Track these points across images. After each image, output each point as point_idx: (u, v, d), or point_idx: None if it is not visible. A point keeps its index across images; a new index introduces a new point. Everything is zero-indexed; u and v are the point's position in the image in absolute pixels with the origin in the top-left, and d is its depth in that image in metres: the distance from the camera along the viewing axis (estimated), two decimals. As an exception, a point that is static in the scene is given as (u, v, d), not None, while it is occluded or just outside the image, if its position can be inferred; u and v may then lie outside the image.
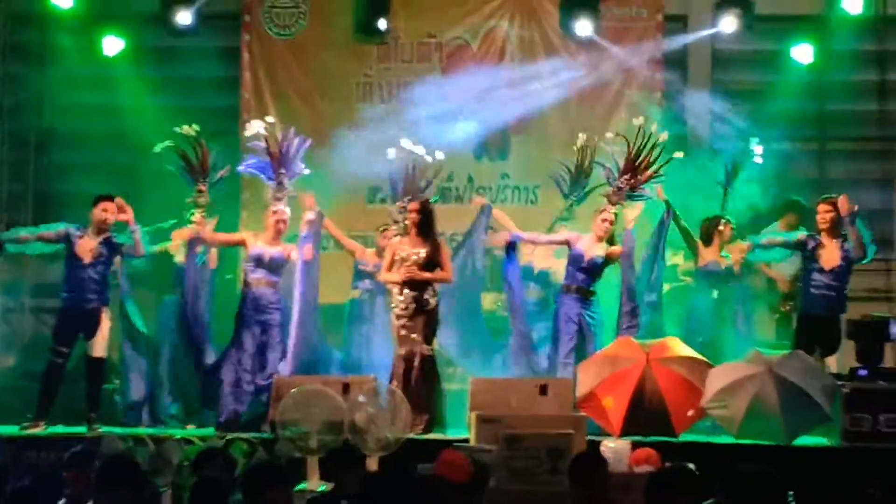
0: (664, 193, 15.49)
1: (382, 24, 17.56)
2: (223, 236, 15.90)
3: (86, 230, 14.80)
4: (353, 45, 18.31)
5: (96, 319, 15.05)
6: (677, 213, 15.60)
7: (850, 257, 15.06)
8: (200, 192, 15.71)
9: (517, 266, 15.90)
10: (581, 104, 17.95)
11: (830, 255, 15.11)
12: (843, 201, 14.83)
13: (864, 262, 15.17)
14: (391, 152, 16.31)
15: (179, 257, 15.87)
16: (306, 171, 15.90)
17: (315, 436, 13.19)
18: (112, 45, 18.22)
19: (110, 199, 14.98)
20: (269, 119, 16.21)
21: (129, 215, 15.08)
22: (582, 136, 16.14)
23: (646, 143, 15.54)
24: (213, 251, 16.04)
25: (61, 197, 15.63)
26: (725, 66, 18.85)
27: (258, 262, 15.23)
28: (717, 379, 14.45)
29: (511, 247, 15.82)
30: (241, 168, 16.01)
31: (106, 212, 14.85)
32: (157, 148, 15.66)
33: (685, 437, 14.23)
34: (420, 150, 16.11)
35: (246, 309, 15.26)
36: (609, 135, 16.18)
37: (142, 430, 14.34)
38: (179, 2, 17.59)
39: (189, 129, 15.67)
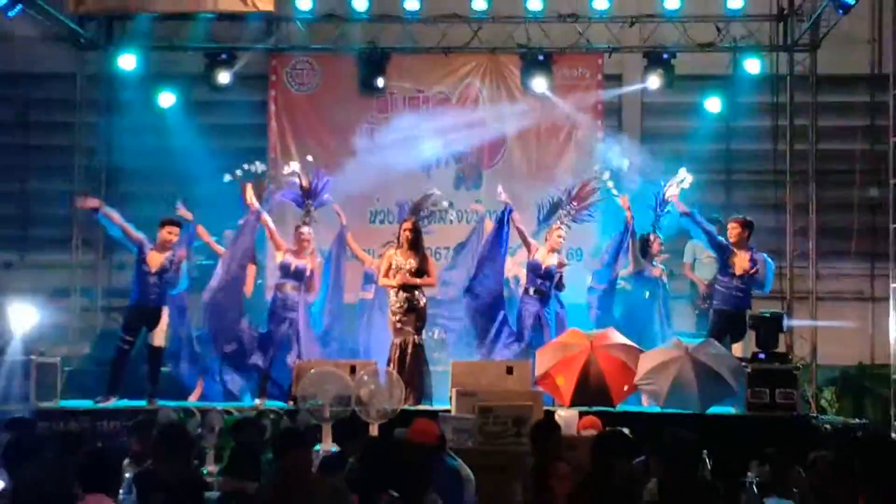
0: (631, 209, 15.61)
1: (380, 82, 17.58)
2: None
3: (154, 245, 14.86)
4: (357, 98, 18.22)
5: (157, 316, 15.12)
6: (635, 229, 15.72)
7: (756, 279, 15.22)
8: (308, 211, 15.91)
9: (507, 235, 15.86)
10: (538, 144, 17.99)
11: (741, 263, 15.21)
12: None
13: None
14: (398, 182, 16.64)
15: None
16: (331, 200, 16.04)
17: (328, 407, 13.31)
18: (166, 98, 18.22)
19: (173, 223, 15.05)
20: (309, 158, 16.43)
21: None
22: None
23: (591, 180, 15.63)
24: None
25: (127, 220, 15.55)
26: (652, 114, 18.87)
27: (286, 271, 15.25)
28: (647, 361, 14.60)
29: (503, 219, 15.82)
30: (278, 197, 16.08)
31: (171, 234, 14.86)
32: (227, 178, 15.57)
33: (622, 408, 14.30)
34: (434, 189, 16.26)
35: (276, 308, 15.35)
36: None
37: (190, 404, 14.35)
38: (220, 64, 17.64)
39: (257, 167, 15.75)
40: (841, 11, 15.68)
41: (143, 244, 14.99)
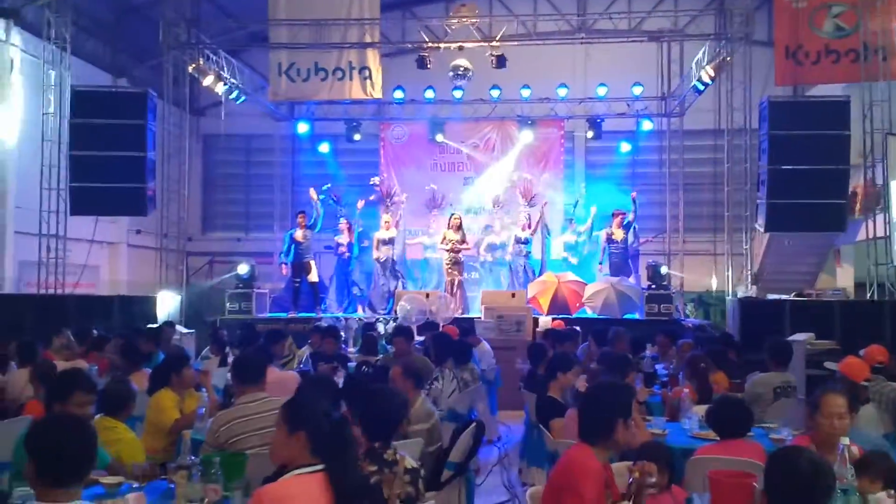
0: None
1: (440, 137, 17.57)
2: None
3: (297, 228, 14.91)
4: (427, 146, 18.01)
5: (309, 266, 15.21)
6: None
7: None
8: (387, 206, 16.06)
9: None
10: (528, 169, 17.92)
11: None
12: None
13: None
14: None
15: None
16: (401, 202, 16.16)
17: (414, 316, 13.48)
18: (324, 148, 18.24)
19: (303, 213, 15.06)
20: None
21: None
22: None
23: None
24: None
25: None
26: (590, 153, 18.84)
27: (383, 241, 15.41)
28: (589, 289, 14.67)
29: None
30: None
31: (302, 218, 14.92)
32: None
33: (575, 315, 14.30)
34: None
35: (382, 263, 15.47)
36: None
37: (338, 315, 14.44)
38: (353, 128, 17.61)
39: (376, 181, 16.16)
40: (698, 94, 15.68)
41: (294, 227, 15.06)
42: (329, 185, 16.18)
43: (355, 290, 15.71)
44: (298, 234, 14.93)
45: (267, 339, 8.67)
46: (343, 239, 15.45)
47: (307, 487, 3.07)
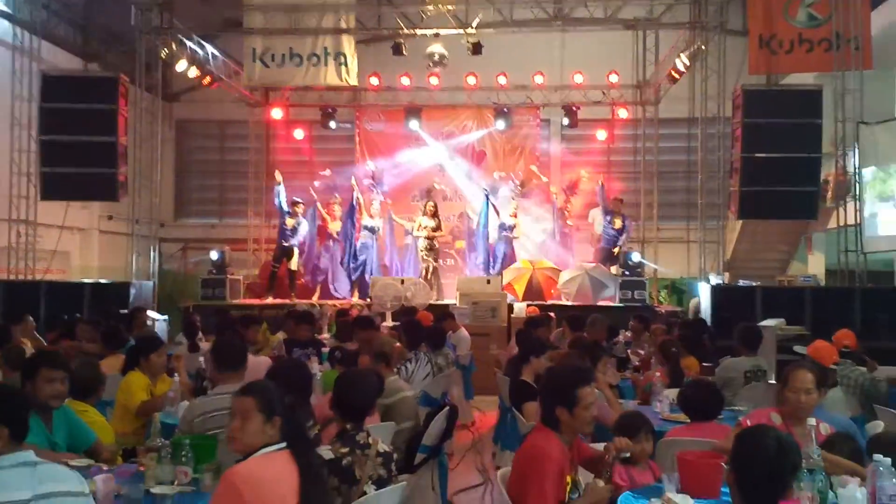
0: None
1: (415, 124, 17.31)
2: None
3: (290, 216, 15.02)
4: (403, 133, 17.67)
5: (292, 252, 15.17)
6: None
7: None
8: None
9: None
10: (504, 157, 17.91)
11: (620, 223, 15.36)
12: None
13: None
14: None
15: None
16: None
17: (389, 302, 13.49)
18: (299, 133, 18.16)
19: (298, 201, 15.20)
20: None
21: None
22: None
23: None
24: None
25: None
26: (566, 140, 18.84)
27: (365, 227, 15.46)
28: (564, 276, 14.76)
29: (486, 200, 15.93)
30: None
31: (297, 207, 15.08)
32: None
33: (549, 302, 14.37)
34: None
35: (361, 247, 15.51)
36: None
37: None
38: (328, 115, 17.53)
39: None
40: (672, 82, 15.75)
41: (284, 218, 15.08)
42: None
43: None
44: (290, 221, 14.94)
45: (240, 325, 8.68)
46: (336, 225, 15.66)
47: (277, 465, 3.11)
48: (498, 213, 15.83)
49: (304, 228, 15.34)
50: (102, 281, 14.18)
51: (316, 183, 16.34)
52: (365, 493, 3.71)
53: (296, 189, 15.96)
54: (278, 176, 15.22)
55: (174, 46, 14.69)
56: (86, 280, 14.18)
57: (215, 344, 5.26)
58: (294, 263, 15.32)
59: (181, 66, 14.92)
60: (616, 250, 15.39)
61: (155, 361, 5.83)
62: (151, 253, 14.47)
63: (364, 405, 4.11)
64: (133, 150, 14.00)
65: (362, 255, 15.46)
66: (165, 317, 12.75)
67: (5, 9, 14.01)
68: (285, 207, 15.07)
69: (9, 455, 2.83)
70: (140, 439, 4.86)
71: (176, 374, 6.05)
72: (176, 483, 3.74)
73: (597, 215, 16.52)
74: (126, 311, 11.11)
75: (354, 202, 15.66)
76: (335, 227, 15.66)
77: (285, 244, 15.16)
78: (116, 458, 4.44)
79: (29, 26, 13.41)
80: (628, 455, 3.96)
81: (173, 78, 16.96)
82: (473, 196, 17.18)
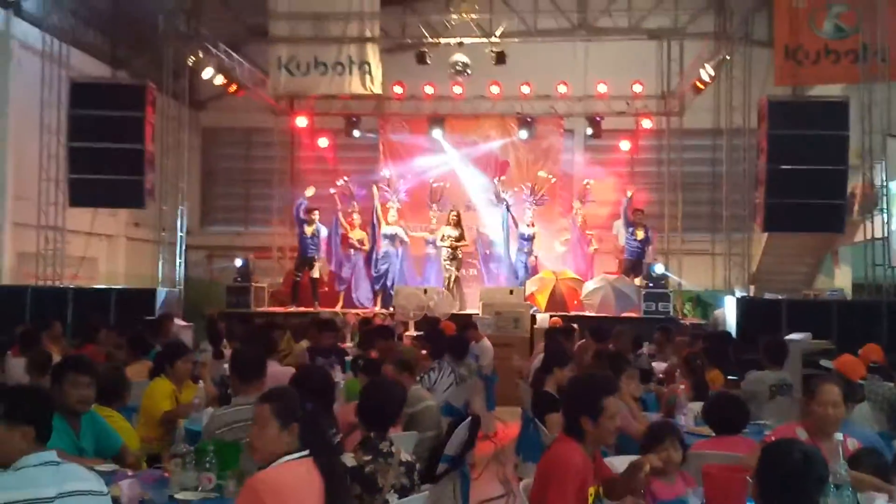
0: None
1: (439, 133, 17.25)
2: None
3: (307, 223, 15.14)
4: (427, 141, 17.57)
5: (313, 261, 15.22)
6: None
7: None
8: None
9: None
10: (527, 165, 17.83)
11: (642, 234, 15.28)
12: None
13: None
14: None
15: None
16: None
17: (412, 311, 13.50)
18: (323, 141, 18.10)
19: (314, 209, 15.33)
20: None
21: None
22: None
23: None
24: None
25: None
26: (589, 150, 18.76)
27: (387, 236, 15.49)
28: (588, 286, 14.73)
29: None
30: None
31: (312, 214, 15.19)
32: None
33: (573, 313, 14.32)
34: None
35: (383, 255, 15.56)
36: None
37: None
38: (353, 123, 17.58)
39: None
40: (697, 93, 15.70)
41: (302, 225, 15.20)
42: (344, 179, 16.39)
43: None
44: (308, 229, 15.00)
45: (268, 331, 8.73)
46: (358, 234, 15.68)
47: (299, 472, 3.14)
48: (517, 224, 15.78)
49: (324, 232, 15.43)
50: (129, 287, 14.29)
51: (332, 190, 16.36)
52: (387, 502, 3.71)
53: (321, 198, 15.99)
54: (310, 191, 15.32)
55: (201, 54, 14.82)
56: (112, 286, 14.28)
57: (234, 356, 5.28)
58: (316, 272, 15.36)
59: (207, 73, 15.03)
60: (641, 262, 15.31)
61: (180, 368, 5.87)
62: (177, 260, 14.59)
63: (389, 414, 4.13)
64: (160, 157, 14.14)
65: (384, 264, 15.46)
66: (191, 324, 12.81)
67: (35, 16, 14.17)
68: (302, 216, 15.15)
69: (34, 454, 2.90)
70: (165, 445, 4.89)
71: (201, 381, 6.09)
72: (200, 489, 3.77)
73: (620, 227, 16.43)
74: (152, 317, 11.19)
75: (374, 211, 15.72)
76: (356, 235, 15.69)
77: (307, 254, 15.21)
78: (141, 464, 4.47)
79: (58, 33, 13.56)
80: (647, 469, 3.92)
81: (200, 85, 17.07)
82: (485, 207, 17.16)
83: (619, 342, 8.82)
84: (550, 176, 17.04)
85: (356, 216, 15.91)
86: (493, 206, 16.84)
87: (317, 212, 15.31)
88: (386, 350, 7.57)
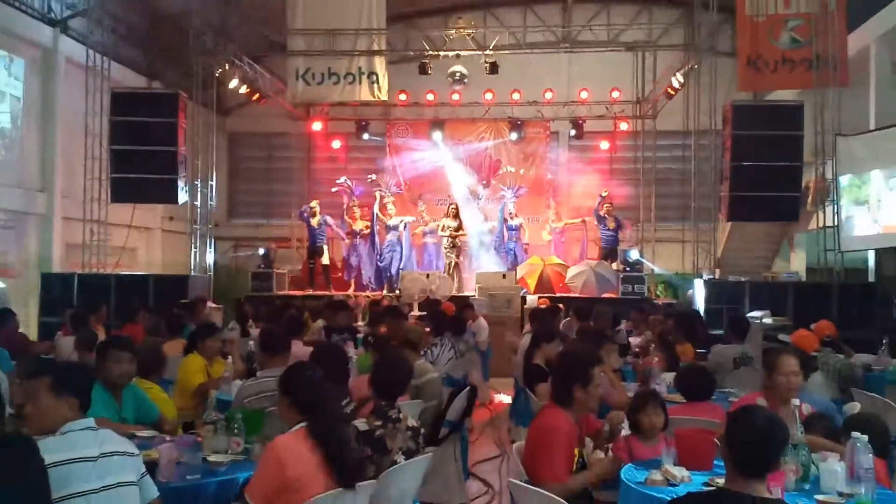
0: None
1: (438, 136, 17.31)
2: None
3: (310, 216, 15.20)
4: (428, 143, 17.57)
5: (321, 250, 15.25)
6: None
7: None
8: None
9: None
10: (518, 163, 17.81)
11: (613, 224, 15.28)
12: None
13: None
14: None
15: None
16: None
17: (416, 294, 13.49)
18: (336, 144, 18.06)
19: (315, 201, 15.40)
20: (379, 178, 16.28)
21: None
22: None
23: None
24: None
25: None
26: (573, 150, 18.69)
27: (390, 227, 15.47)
28: (571, 271, 14.71)
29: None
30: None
31: (313, 208, 15.25)
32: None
33: (559, 295, 14.27)
34: None
35: (389, 245, 15.53)
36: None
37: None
38: (362, 127, 17.58)
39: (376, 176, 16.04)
40: (668, 98, 15.63)
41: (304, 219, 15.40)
42: (344, 178, 16.29)
43: None
44: (314, 221, 15.01)
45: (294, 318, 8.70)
46: (360, 224, 15.69)
47: (296, 439, 3.23)
48: (506, 217, 15.78)
49: (330, 220, 15.57)
50: (164, 274, 14.27)
51: (333, 189, 16.39)
52: (395, 463, 3.71)
53: (333, 194, 15.96)
54: (314, 203, 15.55)
55: (227, 66, 14.77)
56: (150, 273, 14.27)
57: (262, 333, 5.28)
58: (326, 258, 15.43)
59: (233, 83, 15.03)
60: (616, 248, 15.31)
61: (210, 345, 5.87)
62: (207, 249, 14.57)
63: (398, 386, 4.12)
64: (191, 158, 14.09)
65: (389, 253, 15.52)
66: (220, 306, 12.81)
67: (80, 34, 14.14)
68: (306, 216, 15.38)
69: (77, 421, 2.96)
70: (198, 413, 4.89)
71: (229, 357, 6.10)
72: (229, 452, 3.77)
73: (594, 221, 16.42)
74: (185, 301, 11.18)
75: (374, 212, 15.77)
76: (358, 226, 15.75)
77: (316, 243, 15.34)
78: (177, 430, 4.47)
79: (100, 49, 13.50)
80: (623, 427, 3.93)
81: (226, 94, 17.00)
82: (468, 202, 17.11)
83: (599, 320, 8.82)
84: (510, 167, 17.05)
85: (356, 209, 15.94)
86: (476, 201, 16.90)
87: (316, 203, 15.35)
88: (395, 327, 7.57)
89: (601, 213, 15.42)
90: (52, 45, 14.06)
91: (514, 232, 15.72)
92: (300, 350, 5.92)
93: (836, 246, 12.59)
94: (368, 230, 15.73)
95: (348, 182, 16.45)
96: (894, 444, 3.97)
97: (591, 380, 3.78)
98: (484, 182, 17.30)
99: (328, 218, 15.56)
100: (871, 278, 13.38)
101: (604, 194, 15.74)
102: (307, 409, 3.32)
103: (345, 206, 16.02)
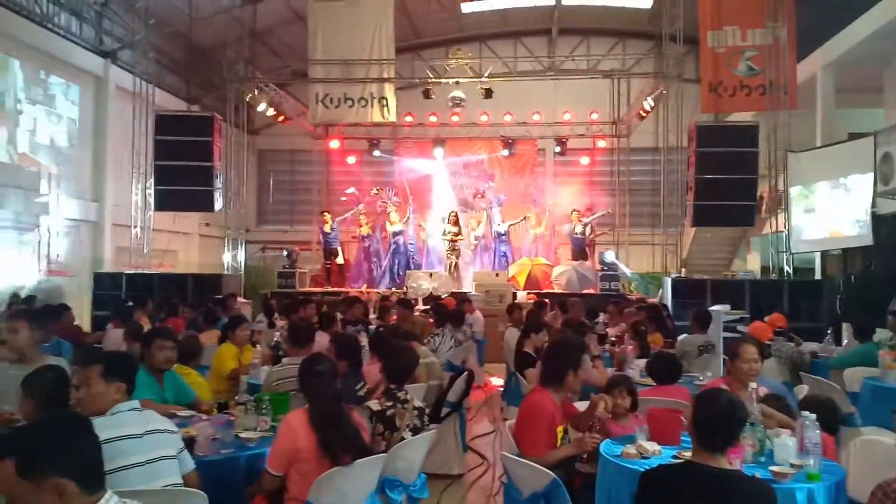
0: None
1: (439, 152, 17.25)
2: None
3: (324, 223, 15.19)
4: (430, 158, 17.46)
5: (336, 251, 15.37)
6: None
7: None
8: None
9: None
10: (509, 177, 17.77)
11: (580, 229, 15.25)
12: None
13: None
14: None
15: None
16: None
17: (420, 290, 13.44)
18: (352, 159, 17.93)
19: (327, 211, 15.42)
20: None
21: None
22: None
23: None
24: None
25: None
26: (558, 165, 18.65)
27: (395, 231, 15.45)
28: (556, 270, 14.69)
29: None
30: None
31: (324, 216, 15.22)
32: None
33: (545, 291, 14.27)
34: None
35: (395, 247, 15.50)
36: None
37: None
38: (374, 145, 17.51)
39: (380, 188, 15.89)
40: (641, 119, 15.62)
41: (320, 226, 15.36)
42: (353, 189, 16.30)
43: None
44: (326, 227, 15.04)
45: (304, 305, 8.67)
46: (365, 230, 15.59)
47: (300, 417, 3.27)
48: (496, 224, 15.79)
49: (335, 226, 15.61)
50: (201, 273, 14.26)
51: (343, 198, 16.42)
52: (403, 438, 3.70)
53: (347, 203, 15.97)
54: (327, 227, 15.54)
55: (256, 92, 14.77)
56: (189, 273, 14.26)
57: (290, 325, 5.26)
58: (340, 259, 15.46)
59: (261, 107, 15.03)
60: (584, 248, 15.28)
61: (241, 335, 5.85)
62: (239, 251, 14.57)
63: (406, 371, 4.09)
64: (224, 172, 14.07)
65: (395, 255, 15.52)
66: (250, 301, 12.79)
67: (128, 64, 14.15)
68: (322, 229, 15.47)
69: (125, 402, 2.97)
70: (231, 395, 4.88)
71: (258, 346, 6.07)
72: (258, 429, 3.76)
73: (565, 228, 16.33)
74: (219, 296, 11.16)
75: (379, 209, 15.84)
76: (363, 231, 15.73)
77: (331, 246, 15.42)
78: (213, 410, 4.44)
79: (145, 77, 13.51)
80: (609, 406, 3.91)
81: (255, 116, 17.00)
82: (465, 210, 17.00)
83: (574, 311, 8.82)
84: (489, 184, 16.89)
85: (363, 217, 15.96)
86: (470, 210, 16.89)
87: (328, 213, 15.45)
88: (404, 317, 7.57)
89: (573, 221, 15.41)
90: (103, 74, 14.08)
91: (503, 236, 15.70)
92: (323, 340, 5.92)
93: (787, 248, 12.59)
94: (373, 234, 15.73)
95: (355, 192, 16.46)
96: (841, 423, 3.95)
97: (581, 364, 3.82)
98: (480, 193, 17.21)
99: (335, 224, 15.63)
100: (818, 276, 13.37)
101: (572, 211, 15.72)
102: (308, 397, 3.38)
103: (353, 213, 16.08)
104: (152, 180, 13.19)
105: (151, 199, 13.28)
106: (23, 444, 1.92)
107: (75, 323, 8.45)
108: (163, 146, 13.01)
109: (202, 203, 13.40)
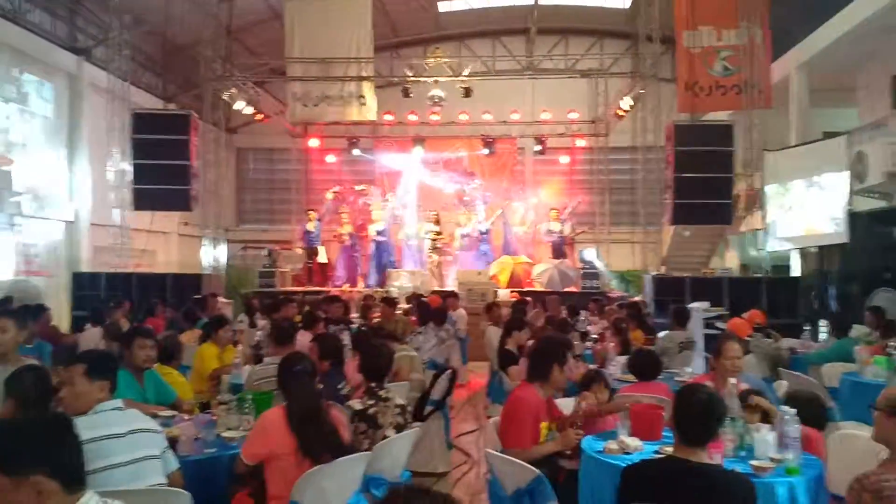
0: None
1: (419, 150, 17.13)
2: None
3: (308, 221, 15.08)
4: (409, 155, 17.36)
5: (317, 251, 15.17)
6: None
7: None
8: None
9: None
10: (489, 175, 17.77)
11: (558, 227, 15.29)
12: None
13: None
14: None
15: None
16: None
17: (402, 289, 13.41)
18: (331, 158, 17.77)
19: (313, 209, 15.32)
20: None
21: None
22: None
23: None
24: None
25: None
26: (538, 164, 18.66)
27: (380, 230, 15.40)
28: (537, 269, 14.72)
29: None
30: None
31: (309, 214, 15.17)
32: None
33: (527, 289, 14.28)
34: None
35: (379, 246, 15.46)
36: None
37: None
38: (353, 143, 17.38)
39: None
40: (619, 118, 15.72)
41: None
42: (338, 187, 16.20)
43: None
44: (310, 225, 14.93)
45: (286, 304, 8.63)
46: (346, 229, 15.50)
47: (278, 415, 3.25)
48: (478, 223, 15.77)
49: (318, 224, 15.46)
50: (181, 273, 14.13)
51: (329, 196, 16.36)
52: (387, 437, 3.70)
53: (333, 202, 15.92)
54: (313, 215, 15.40)
55: (234, 90, 14.67)
56: (168, 272, 14.12)
57: (272, 325, 5.23)
58: (322, 257, 15.30)
59: (239, 105, 14.94)
60: (562, 246, 15.33)
61: (223, 335, 5.81)
62: (219, 251, 14.45)
63: (382, 369, 4.08)
64: (202, 171, 13.96)
65: (377, 254, 15.42)
66: (230, 300, 12.69)
67: (102, 61, 13.97)
68: (306, 228, 15.31)
69: (108, 402, 2.95)
70: (213, 395, 4.85)
71: (239, 345, 6.04)
72: (241, 428, 3.73)
73: (542, 227, 16.38)
74: (199, 296, 11.06)
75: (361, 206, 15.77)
76: (344, 230, 15.57)
77: (312, 245, 15.24)
78: (195, 410, 4.42)
79: (120, 75, 13.36)
80: (593, 403, 3.95)
81: (233, 114, 16.87)
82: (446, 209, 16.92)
83: (551, 307, 8.88)
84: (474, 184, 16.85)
85: (344, 216, 15.82)
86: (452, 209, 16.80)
87: (314, 212, 15.33)
88: (387, 314, 7.57)
89: (550, 219, 15.44)
90: (76, 72, 13.87)
91: (485, 235, 15.69)
92: (305, 340, 5.90)
93: (764, 246, 12.75)
94: (354, 233, 15.62)
95: (337, 190, 16.39)
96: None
97: (567, 360, 3.88)
98: (460, 192, 17.21)
99: (318, 222, 15.48)
100: (795, 273, 13.55)
101: (551, 211, 15.75)
102: (287, 395, 3.37)
103: (334, 211, 15.98)
104: (130, 179, 13.03)
105: (130, 199, 13.13)
106: (2, 440, 1.90)
107: (52, 324, 8.33)
108: (140, 145, 12.89)
109: (180, 202, 13.28)
